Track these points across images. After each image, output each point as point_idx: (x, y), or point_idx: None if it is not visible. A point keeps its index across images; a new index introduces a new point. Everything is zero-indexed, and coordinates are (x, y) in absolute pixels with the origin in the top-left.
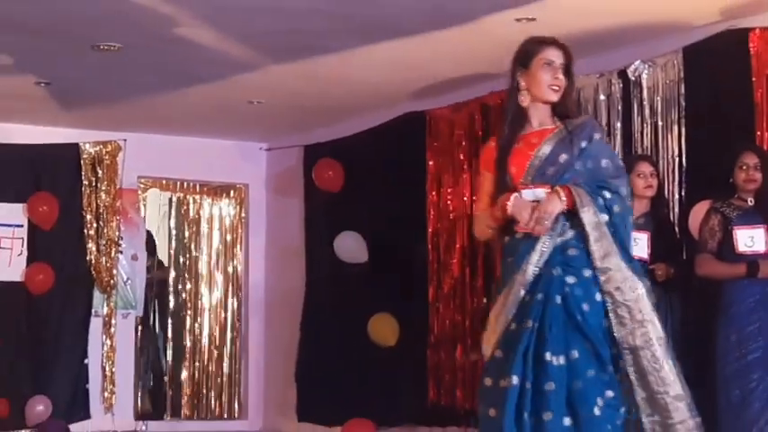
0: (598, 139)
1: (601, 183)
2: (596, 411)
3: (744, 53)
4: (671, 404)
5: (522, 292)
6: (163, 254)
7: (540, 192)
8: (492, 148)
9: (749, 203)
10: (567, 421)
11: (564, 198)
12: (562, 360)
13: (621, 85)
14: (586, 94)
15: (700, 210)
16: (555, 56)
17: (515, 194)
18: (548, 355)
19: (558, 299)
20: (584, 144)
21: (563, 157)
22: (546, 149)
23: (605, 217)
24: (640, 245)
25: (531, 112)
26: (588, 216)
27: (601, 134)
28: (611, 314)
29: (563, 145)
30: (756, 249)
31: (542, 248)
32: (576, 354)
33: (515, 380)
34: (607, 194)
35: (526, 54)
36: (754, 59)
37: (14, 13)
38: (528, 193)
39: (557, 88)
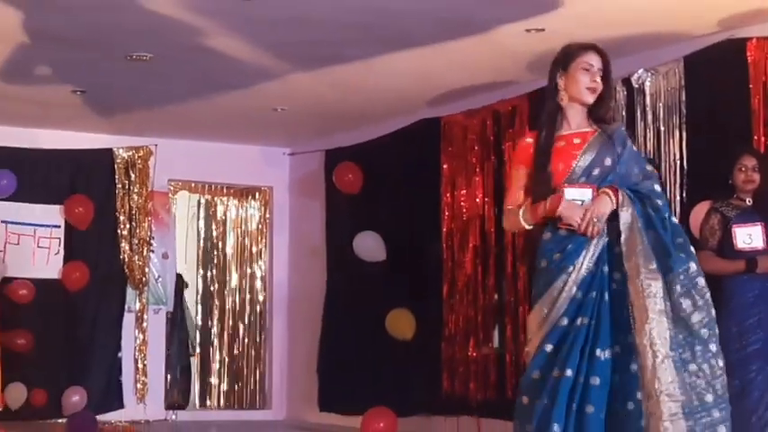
0: (630, 145)
1: (641, 189)
2: (630, 406)
3: (741, 62)
4: (663, 404)
5: (575, 290)
6: (192, 253)
7: (588, 192)
8: (529, 145)
9: (747, 203)
10: (602, 415)
11: (614, 199)
12: (608, 354)
13: (625, 93)
14: None
15: (700, 210)
16: (594, 60)
17: (565, 197)
18: (598, 351)
19: (607, 296)
20: (620, 149)
21: (608, 161)
22: (592, 152)
23: (641, 220)
24: None
25: (568, 112)
26: (625, 216)
27: (631, 141)
28: (631, 314)
29: (607, 148)
30: (755, 246)
31: (594, 248)
32: (618, 349)
33: (569, 372)
34: (649, 201)
35: (566, 57)
36: (751, 68)
37: (53, 26)
38: (573, 192)
39: (593, 90)
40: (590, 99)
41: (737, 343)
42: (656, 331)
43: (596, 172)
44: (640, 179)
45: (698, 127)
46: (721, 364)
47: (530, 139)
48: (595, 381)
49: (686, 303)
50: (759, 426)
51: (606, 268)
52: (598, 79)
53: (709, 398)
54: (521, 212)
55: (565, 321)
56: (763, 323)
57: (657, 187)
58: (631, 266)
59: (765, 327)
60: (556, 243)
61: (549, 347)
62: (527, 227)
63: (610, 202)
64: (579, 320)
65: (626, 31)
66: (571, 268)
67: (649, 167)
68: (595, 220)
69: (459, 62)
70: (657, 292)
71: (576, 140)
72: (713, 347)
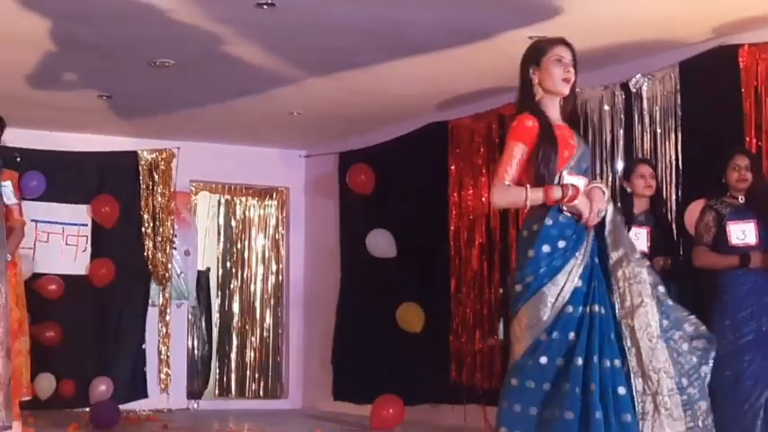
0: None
1: None
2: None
3: (734, 67)
4: (662, 380)
5: (577, 280)
6: (212, 250)
7: (582, 182)
8: (534, 127)
9: (740, 201)
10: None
11: (607, 193)
12: (613, 337)
13: (624, 97)
14: (592, 104)
15: (695, 208)
16: (564, 52)
17: (581, 190)
18: (612, 336)
19: (601, 283)
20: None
21: (587, 155)
22: (582, 146)
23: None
24: (641, 239)
25: (545, 105)
26: (610, 208)
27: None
28: (618, 297)
29: (587, 150)
30: (748, 242)
31: (591, 239)
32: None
33: (580, 361)
34: None
35: (538, 52)
36: (743, 73)
37: (79, 34)
38: (573, 180)
39: (568, 81)
40: (566, 90)
41: (731, 335)
42: (650, 315)
43: (585, 166)
44: None
45: (693, 129)
46: (686, 347)
47: (533, 122)
48: (616, 363)
49: (663, 288)
50: (751, 413)
51: (596, 259)
52: (571, 70)
53: (684, 380)
54: (529, 192)
55: (569, 309)
56: (755, 315)
57: None
58: (620, 255)
59: (758, 319)
60: (559, 229)
61: (555, 335)
62: (528, 205)
63: (605, 197)
64: (588, 308)
65: (624, 38)
66: (574, 259)
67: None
68: (601, 211)
69: (466, 68)
70: (646, 279)
71: (566, 132)
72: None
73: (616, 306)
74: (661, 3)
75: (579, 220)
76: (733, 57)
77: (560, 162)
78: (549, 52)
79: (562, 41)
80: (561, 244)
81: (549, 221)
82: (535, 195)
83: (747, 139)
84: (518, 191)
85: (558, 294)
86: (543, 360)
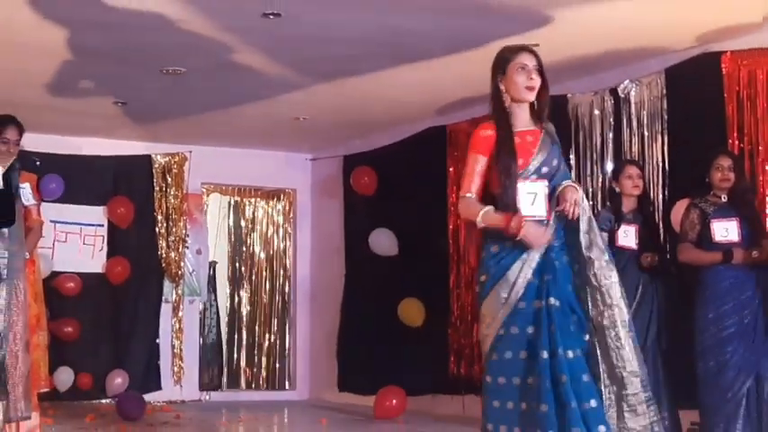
0: (558, 142)
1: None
2: (570, 354)
3: (717, 73)
4: (626, 378)
5: (531, 275)
6: (223, 249)
7: (541, 185)
8: (491, 137)
9: (723, 200)
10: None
11: (580, 190)
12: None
13: (613, 102)
14: (583, 109)
15: (680, 206)
16: (528, 59)
17: (526, 221)
18: (572, 327)
19: (556, 277)
20: (559, 149)
21: (554, 161)
22: (545, 151)
23: (590, 213)
24: (629, 236)
25: (514, 112)
26: (587, 207)
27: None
28: (588, 297)
29: (554, 149)
30: (731, 239)
31: (535, 256)
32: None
33: (545, 354)
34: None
35: (503, 61)
36: (725, 79)
37: (95, 44)
38: (528, 187)
39: (531, 89)
40: (530, 97)
41: (714, 327)
42: (617, 316)
43: (545, 170)
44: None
45: (678, 132)
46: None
47: (490, 131)
48: (578, 353)
49: (622, 289)
50: (734, 402)
51: (558, 255)
52: (534, 77)
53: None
54: (482, 212)
55: (522, 305)
56: (737, 309)
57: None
58: (593, 256)
59: (739, 312)
60: (501, 257)
61: (514, 330)
62: (480, 225)
63: (579, 192)
64: (546, 302)
65: (612, 45)
66: (526, 254)
67: (563, 165)
68: (572, 203)
69: (463, 75)
70: (616, 281)
71: (530, 138)
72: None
73: (589, 305)
74: (647, 12)
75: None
76: (716, 63)
77: (519, 168)
78: (512, 60)
79: (525, 48)
80: (508, 243)
81: (493, 248)
82: (489, 218)
83: (730, 141)
84: (473, 204)
85: (511, 291)
86: (508, 355)
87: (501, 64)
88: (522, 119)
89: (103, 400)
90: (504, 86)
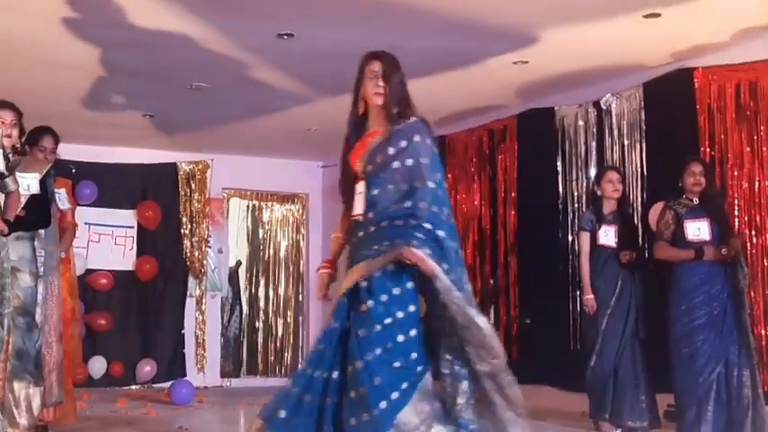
0: (418, 140)
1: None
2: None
3: (690, 87)
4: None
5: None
6: (242, 248)
7: (359, 186)
8: (345, 145)
9: (695, 202)
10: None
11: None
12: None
13: (596, 113)
14: (568, 120)
15: (656, 208)
16: (376, 66)
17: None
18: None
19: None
20: (403, 144)
21: (379, 158)
22: (369, 151)
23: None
24: (610, 235)
25: (370, 116)
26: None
27: (422, 136)
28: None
29: (382, 147)
30: (702, 237)
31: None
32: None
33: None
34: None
35: (360, 68)
36: (698, 92)
37: (127, 62)
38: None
39: (380, 94)
40: (379, 101)
41: (686, 317)
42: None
43: (370, 168)
44: (427, 171)
45: (655, 141)
46: None
47: (344, 139)
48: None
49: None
50: (705, 386)
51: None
52: (380, 83)
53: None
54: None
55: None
56: (708, 301)
57: (431, 184)
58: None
59: (710, 304)
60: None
61: (321, 346)
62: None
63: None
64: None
65: (595, 62)
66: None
67: (438, 162)
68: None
69: (459, 90)
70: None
71: (370, 139)
72: None
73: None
74: (627, 32)
75: None
76: (689, 78)
77: (354, 169)
78: (365, 69)
79: (372, 56)
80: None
81: (351, 222)
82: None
83: (702, 149)
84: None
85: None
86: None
87: (360, 71)
88: (374, 122)
89: (133, 387)
90: (362, 93)
